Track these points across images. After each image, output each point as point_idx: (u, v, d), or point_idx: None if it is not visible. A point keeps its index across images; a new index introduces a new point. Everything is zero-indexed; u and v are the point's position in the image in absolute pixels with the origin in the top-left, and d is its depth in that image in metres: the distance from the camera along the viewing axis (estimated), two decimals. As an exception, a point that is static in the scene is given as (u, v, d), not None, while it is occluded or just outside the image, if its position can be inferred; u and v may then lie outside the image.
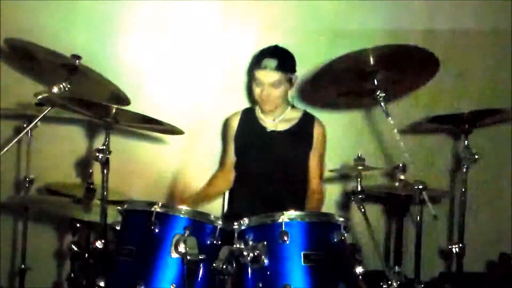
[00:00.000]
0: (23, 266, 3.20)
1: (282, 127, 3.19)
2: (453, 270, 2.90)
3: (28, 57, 2.92)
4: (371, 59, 2.66)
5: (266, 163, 3.14)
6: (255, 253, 2.28)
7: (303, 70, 3.19)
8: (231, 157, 3.27)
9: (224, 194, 3.38)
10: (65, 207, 2.81)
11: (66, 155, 3.40)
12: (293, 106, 3.25)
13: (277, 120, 3.19)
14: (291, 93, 3.20)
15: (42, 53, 2.79)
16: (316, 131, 3.19)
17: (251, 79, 3.17)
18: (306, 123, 3.20)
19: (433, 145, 3.67)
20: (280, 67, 3.02)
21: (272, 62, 3.01)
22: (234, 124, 3.26)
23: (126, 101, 2.94)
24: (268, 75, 3.03)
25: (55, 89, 2.65)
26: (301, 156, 3.16)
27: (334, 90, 3.04)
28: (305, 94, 3.36)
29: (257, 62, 3.09)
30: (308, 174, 3.16)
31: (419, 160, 3.52)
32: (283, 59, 3.06)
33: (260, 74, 3.05)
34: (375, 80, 2.72)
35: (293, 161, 3.16)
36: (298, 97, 3.39)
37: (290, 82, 3.10)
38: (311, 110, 3.29)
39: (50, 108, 2.65)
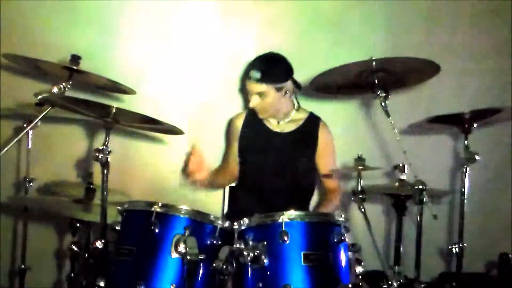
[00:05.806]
0: (23, 266, 3.21)
1: (288, 128, 3.20)
2: (453, 270, 2.89)
3: (28, 63, 2.94)
4: (373, 67, 2.67)
5: (270, 164, 3.15)
6: (255, 253, 2.28)
7: (303, 70, 3.18)
8: (234, 157, 3.28)
9: (224, 194, 3.39)
10: (65, 207, 2.81)
11: (66, 155, 3.40)
12: (299, 108, 3.24)
13: (282, 122, 3.20)
14: (292, 97, 3.19)
15: (41, 62, 2.81)
16: (321, 132, 3.20)
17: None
18: (311, 124, 3.21)
19: (433, 145, 3.66)
20: (263, 79, 3.03)
21: (256, 74, 3.04)
22: (239, 124, 3.27)
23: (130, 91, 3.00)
24: (253, 86, 3.07)
25: (55, 89, 2.65)
26: (305, 157, 3.16)
27: (334, 88, 3.06)
28: (305, 93, 3.35)
29: (246, 72, 3.14)
30: (319, 175, 3.19)
31: (419, 160, 3.52)
32: (268, 70, 3.05)
33: (247, 84, 3.11)
34: (376, 80, 2.73)
35: (297, 162, 3.16)
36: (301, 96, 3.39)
37: (280, 90, 3.08)
38: (311, 109, 3.30)
39: (50, 108, 2.65)
